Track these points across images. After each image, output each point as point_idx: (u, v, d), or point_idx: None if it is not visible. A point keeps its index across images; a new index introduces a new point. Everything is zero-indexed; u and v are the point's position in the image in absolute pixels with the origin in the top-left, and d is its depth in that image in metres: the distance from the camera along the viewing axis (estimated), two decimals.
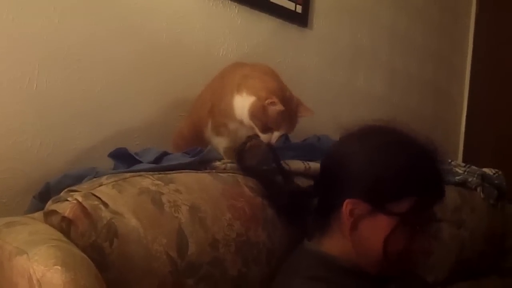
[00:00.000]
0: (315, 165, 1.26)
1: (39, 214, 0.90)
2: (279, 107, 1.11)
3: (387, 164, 0.98)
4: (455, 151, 2.60)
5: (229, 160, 1.17)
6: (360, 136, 1.04)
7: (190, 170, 1.07)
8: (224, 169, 1.14)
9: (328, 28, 1.85)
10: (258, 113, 1.13)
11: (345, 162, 1.02)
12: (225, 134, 1.20)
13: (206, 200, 0.99)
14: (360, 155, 1.01)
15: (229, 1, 1.51)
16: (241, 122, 1.17)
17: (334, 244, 1.01)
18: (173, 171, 1.03)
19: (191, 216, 0.94)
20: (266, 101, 1.11)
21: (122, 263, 0.83)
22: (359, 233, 0.97)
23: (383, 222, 0.95)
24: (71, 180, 1.02)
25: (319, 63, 1.83)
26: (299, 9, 1.71)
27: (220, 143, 1.21)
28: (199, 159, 1.11)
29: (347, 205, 0.96)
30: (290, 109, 1.15)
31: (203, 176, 1.06)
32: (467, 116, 2.64)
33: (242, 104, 1.15)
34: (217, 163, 1.15)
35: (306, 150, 1.45)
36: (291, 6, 1.68)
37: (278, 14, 1.65)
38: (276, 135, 1.15)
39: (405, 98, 2.23)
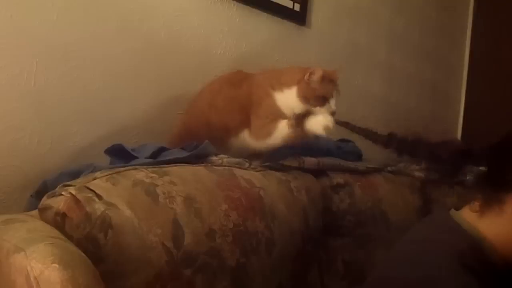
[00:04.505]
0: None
1: (36, 212, 0.90)
2: (317, 72, 1.16)
3: None
4: None
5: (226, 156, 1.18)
6: None
7: (185, 164, 1.07)
8: (221, 163, 1.14)
9: (326, 26, 1.85)
10: (306, 93, 1.17)
11: None
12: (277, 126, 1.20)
13: (201, 192, 0.99)
14: None
15: None
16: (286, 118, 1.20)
17: (496, 225, 0.86)
18: (168, 165, 1.04)
19: (186, 207, 0.94)
20: (305, 77, 1.17)
21: (118, 254, 0.83)
22: None
23: None
24: (68, 177, 1.02)
25: (317, 61, 1.82)
26: (297, 7, 1.71)
27: (281, 129, 1.20)
28: (196, 153, 1.12)
29: None
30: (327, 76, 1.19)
31: (198, 169, 1.07)
32: (464, 115, 2.65)
33: (287, 98, 1.19)
34: (214, 158, 1.15)
35: (304, 148, 1.45)
36: (289, 4, 1.68)
37: (276, 12, 1.66)
38: (333, 102, 1.20)
39: (403, 96, 2.23)
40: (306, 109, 1.19)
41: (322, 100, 1.18)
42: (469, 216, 0.89)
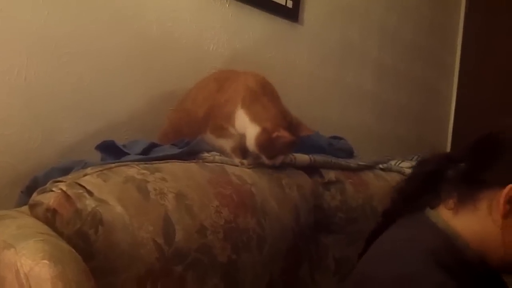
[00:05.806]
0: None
1: (27, 208, 0.90)
2: (288, 138, 1.12)
3: None
4: (443, 147, 2.62)
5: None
6: None
7: (176, 160, 1.07)
8: (213, 160, 1.14)
9: (319, 23, 1.85)
10: (264, 145, 1.14)
11: None
12: (228, 135, 1.20)
13: (192, 188, 0.99)
14: None
15: None
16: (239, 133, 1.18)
17: (470, 223, 0.87)
18: (160, 161, 1.03)
19: (177, 204, 0.94)
20: (274, 134, 1.11)
21: (108, 250, 0.83)
22: (509, 223, 0.84)
23: None
24: (58, 173, 1.01)
25: (309, 58, 1.84)
26: (290, 4, 1.71)
27: (226, 143, 1.21)
28: (187, 150, 1.12)
29: (509, 191, 0.82)
30: (293, 133, 1.15)
31: (190, 166, 1.07)
32: (455, 112, 2.67)
33: (245, 126, 1.16)
34: (205, 155, 1.15)
35: None
36: (282, 1, 1.69)
37: (269, 9, 1.66)
38: (280, 158, 1.18)
39: (394, 94, 2.24)
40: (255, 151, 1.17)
41: (272, 156, 1.17)
42: (444, 214, 0.89)
